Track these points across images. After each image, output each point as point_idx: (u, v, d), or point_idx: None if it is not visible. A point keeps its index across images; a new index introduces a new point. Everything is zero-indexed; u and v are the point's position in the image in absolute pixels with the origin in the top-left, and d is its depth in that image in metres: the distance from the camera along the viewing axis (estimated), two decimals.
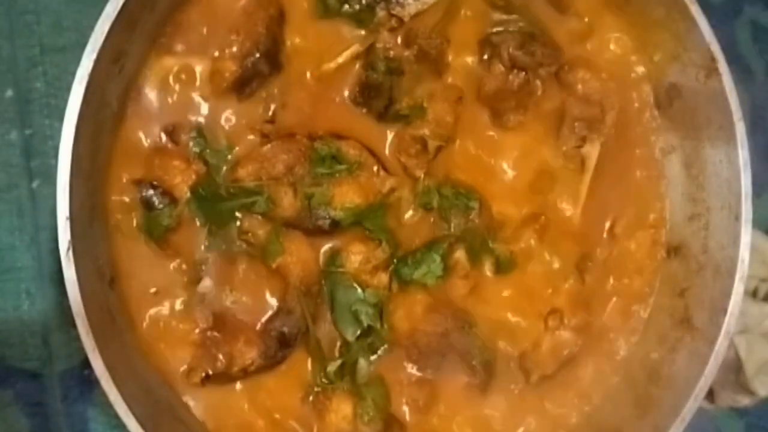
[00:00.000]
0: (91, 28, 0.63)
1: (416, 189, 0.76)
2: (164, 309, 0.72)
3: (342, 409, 0.74)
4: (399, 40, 0.76)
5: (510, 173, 0.79)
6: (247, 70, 0.72)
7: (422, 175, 0.76)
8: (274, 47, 0.73)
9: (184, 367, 0.72)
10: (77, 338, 0.63)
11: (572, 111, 0.80)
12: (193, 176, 0.72)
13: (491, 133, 0.79)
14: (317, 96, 0.75)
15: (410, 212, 0.77)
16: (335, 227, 0.74)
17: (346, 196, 0.74)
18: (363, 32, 0.75)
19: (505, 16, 0.78)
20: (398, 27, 0.75)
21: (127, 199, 0.72)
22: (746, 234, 0.74)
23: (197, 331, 0.72)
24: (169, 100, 0.72)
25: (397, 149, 0.76)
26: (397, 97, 0.76)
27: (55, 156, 0.63)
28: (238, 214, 0.73)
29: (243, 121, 0.74)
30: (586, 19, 0.80)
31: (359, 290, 0.74)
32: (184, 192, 0.72)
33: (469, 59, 0.78)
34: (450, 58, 0.77)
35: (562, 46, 0.79)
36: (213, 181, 0.73)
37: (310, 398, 0.75)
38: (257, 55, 0.72)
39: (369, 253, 0.74)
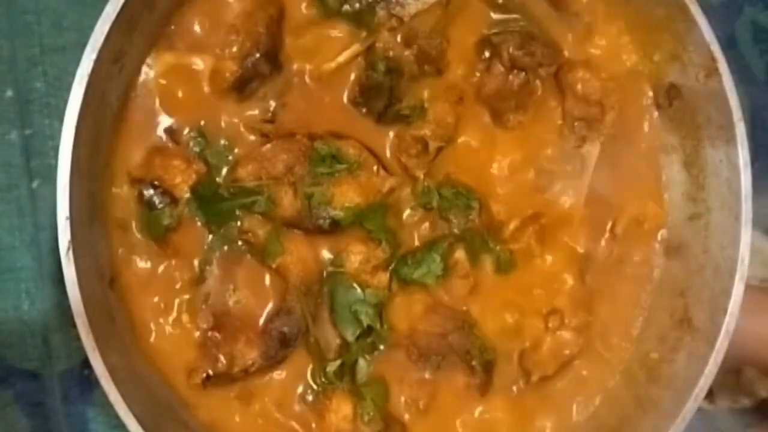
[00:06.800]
0: (91, 28, 0.63)
1: (416, 189, 0.76)
2: (164, 309, 0.72)
3: (342, 409, 0.74)
4: (399, 40, 0.76)
5: (510, 173, 0.79)
6: (247, 70, 0.72)
7: (422, 175, 0.76)
8: (274, 47, 0.73)
9: (184, 368, 0.72)
10: (77, 338, 0.63)
11: (572, 111, 0.80)
12: (193, 176, 0.72)
13: (491, 133, 0.79)
14: (317, 96, 0.75)
15: (410, 212, 0.77)
16: (335, 227, 0.74)
17: (346, 196, 0.74)
18: (363, 32, 0.75)
19: (504, 16, 0.78)
20: (398, 27, 0.75)
21: (127, 199, 0.72)
22: (746, 234, 0.74)
23: (198, 331, 0.72)
24: (169, 100, 0.72)
25: (397, 149, 0.76)
26: (397, 97, 0.76)
27: (55, 156, 0.63)
28: (238, 214, 0.73)
29: (243, 121, 0.74)
30: (586, 19, 0.80)
31: (359, 290, 0.74)
32: (184, 192, 0.72)
33: (469, 59, 0.78)
34: (450, 57, 0.77)
35: (561, 46, 0.79)
36: (213, 181, 0.73)
37: (310, 398, 0.75)
38: (257, 55, 0.72)
39: (369, 253, 0.75)
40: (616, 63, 0.81)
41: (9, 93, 0.79)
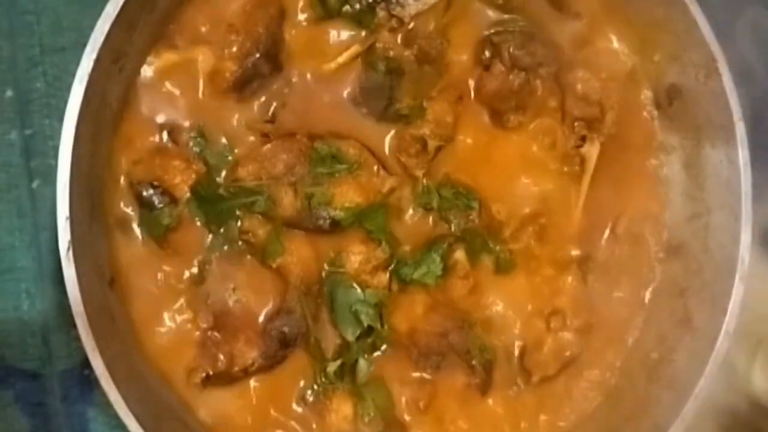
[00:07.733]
0: (91, 28, 0.63)
1: (416, 189, 0.76)
2: (164, 309, 0.72)
3: (342, 409, 0.74)
4: (399, 40, 0.76)
5: (510, 173, 0.79)
6: (247, 70, 0.72)
7: (422, 175, 0.76)
8: (274, 47, 0.73)
9: (184, 368, 0.72)
10: (77, 338, 0.63)
11: (572, 111, 0.80)
12: (193, 176, 0.72)
13: (491, 132, 0.79)
14: (317, 96, 0.75)
15: (410, 212, 0.77)
16: (335, 227, 0.74)
17: (346, 196, 0.74)
18: (363, 32, 0.75)
19: (504, 16, 0.78)
20: (398, 27, 0.76)
21: (127, 200, 0.72)
22: (746, 234, 0.74)
23: (198, 331, 0.72)
24: (170, 100, 0.72)
25: (397, 149, 0.76)
26: (397, 97, 0.76)
27: (55, 156, 0.63)
28: (238, 214, 0.73)
29: (243, 121, 0.74)
30: (586, 19, 0.80)
31: (359, 290, 0.74)
32: (184, 192, 0.72)
33: (469, 59, 0.78)
34: (450, 58, 0.77)
35: (561, 46, 0.79)
36: (213, 181, 0.73)
37: (311, 398, 0.75)
38: (257, 55, 0.72)
39: (369, 253, 0.75)
40: (616, 63, 0.81)
41: (9, 93, 0.79)
